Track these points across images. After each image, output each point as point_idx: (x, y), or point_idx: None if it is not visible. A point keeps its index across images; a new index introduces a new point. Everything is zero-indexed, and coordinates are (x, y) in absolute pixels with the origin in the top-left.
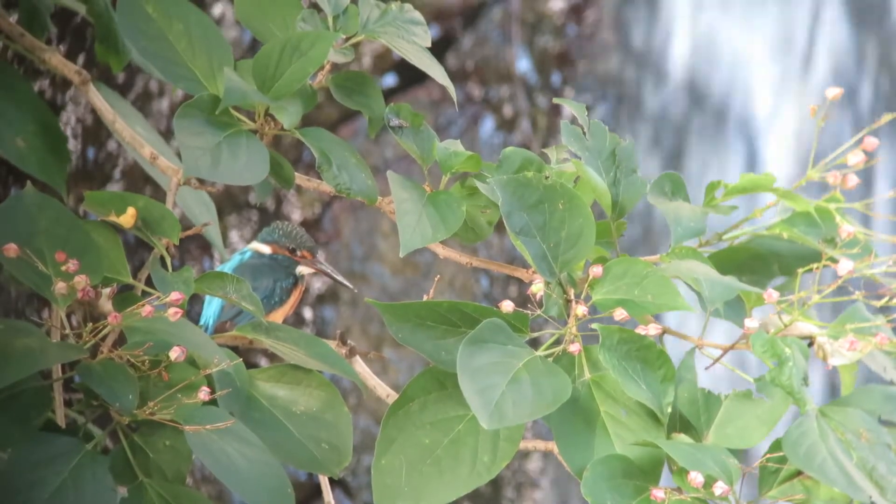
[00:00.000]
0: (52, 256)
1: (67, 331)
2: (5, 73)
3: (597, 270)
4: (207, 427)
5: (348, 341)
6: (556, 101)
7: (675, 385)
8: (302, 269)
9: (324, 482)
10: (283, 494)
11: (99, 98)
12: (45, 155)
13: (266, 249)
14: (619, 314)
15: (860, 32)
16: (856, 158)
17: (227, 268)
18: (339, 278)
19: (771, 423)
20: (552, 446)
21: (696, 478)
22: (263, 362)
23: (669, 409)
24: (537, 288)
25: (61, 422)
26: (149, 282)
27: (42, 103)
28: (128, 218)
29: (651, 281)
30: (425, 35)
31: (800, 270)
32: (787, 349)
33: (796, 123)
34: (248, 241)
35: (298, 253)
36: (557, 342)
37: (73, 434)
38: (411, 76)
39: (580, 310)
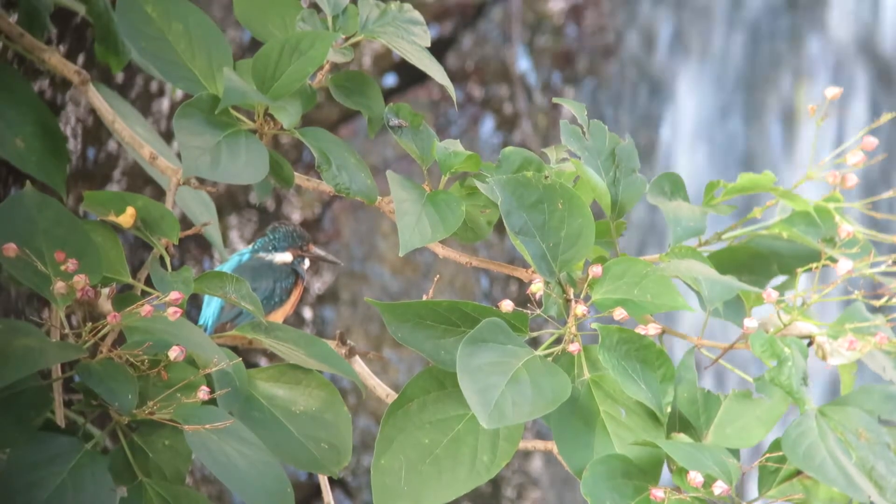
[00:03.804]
0: (51, 256)
1: (67, 331)
2: (5, 73)
3: (596, 270)
4: (207, 427)
5: (348, 341)
6: (555, 101)
7: (674, 385)
8: (307, 260)
9: (323, 482)
10: (282, 494)
11: (98, 98)
12: (45, 155)
13: (289, 257)
14: (619, 314)
15: None
16: (855, 158)
17: (226, 269)
18: (330, 257)
19: (770, 422)
20: (552, 446)
21: (695, 477)
22: (263, 362)
23: (669, 409)
24: (537, 288)
25: (61, 422)
26: (148, 281)
27: (41, 103)
28: (127, 218)
29: (650, 280)
30: (425, 35)
31: (799, 270)
32: (787, 349)
33: None
34: (249, 242)
35: (304, 248)
36: (557, 342)
37: (72, 434)
38: (411, 76)
39: (580, 309)
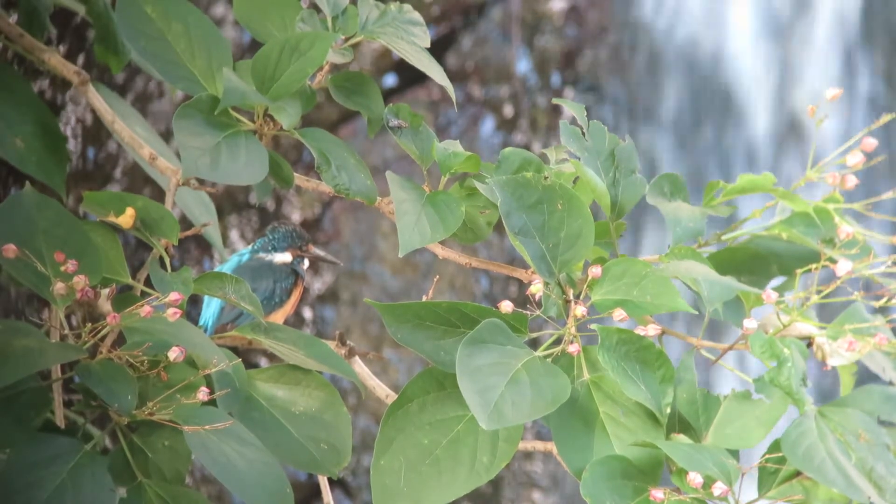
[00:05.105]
0: (51, 257)
1: (66, 331)
2: (5, 74)
3: (596, 271)
4: (206, 427)
5: (347, 342)
6: (555, 101)
7: (674, 386)
8: (307, 261)
9: (323, 482)
10: (282, 495)
11: (98, 98)
12: (44, 155)
13: (288, 257)
14: (618, 315)
15: None
16: (855, 159)
17: (226, 269)
18: (329, 257)
19: (770, 423)
20: (551, 447)
21: (695, 478)
22: (263, 363)
23: (668, 410)
24: (536, 288)
25: (60, 422)
26: (148, 282)
27: (41, 104)
28: (126, 218)
29: (650, 281)
30: (424, 35)
31: (798, 271)
32: (786, 350)
33: None
34: (249, 242)
35: (304, 248)
36: (556, 343)
37: (72, 434)
38: (411, 76)
39: (579, 310)
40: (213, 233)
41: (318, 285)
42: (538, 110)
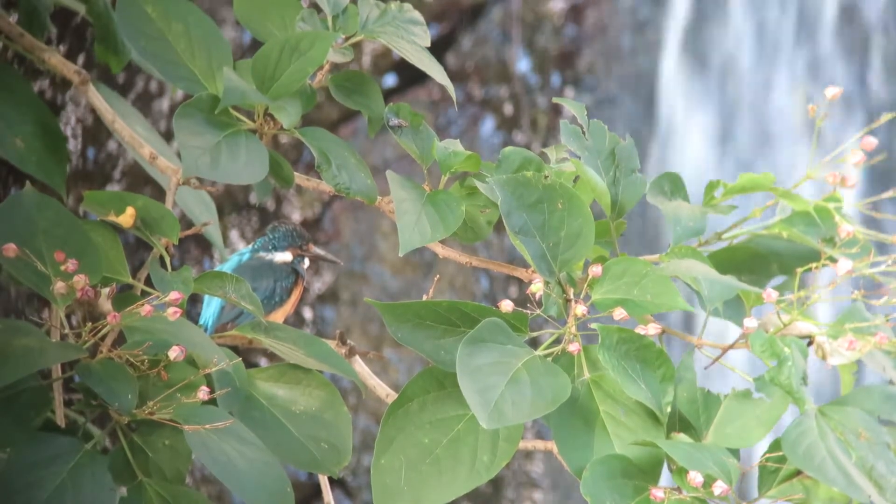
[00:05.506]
0: (51, 256)
1: (67, 330)
2: (5, 73)
3: (596, 270)
4: (207, 427)
5: (348, 341)
6: (555, 100)
7: (674, 385)
8: (307, 260)
9: (323, 482)
10: (282, 494)
11: (98, 98)
12: (45, 155)
13: (289, 257)
14: (619, 314)
15: None
16: (855, 158)
17: (226, 269)
18: (329, 257)
19: (770, 422)
20: (552, 446)
21: (695, 477)
22: (263, 362)
23: (669, 409)
24: (536, 287)
25: (61, 421)
26: (148, 281)
27: (41, 103)
28: (127, 218)
29: (650, 280)
30: (424, 35)
31: (799, 270)
32: (787, 349)
33: None
34: (249, 242)
35: (304, 247)
36: (557, 342)
37: (72, 434)
38: (411, 76)
39: (579, 309)
40: (213, 232)
41: (318, 285)
42: (538, 110)
